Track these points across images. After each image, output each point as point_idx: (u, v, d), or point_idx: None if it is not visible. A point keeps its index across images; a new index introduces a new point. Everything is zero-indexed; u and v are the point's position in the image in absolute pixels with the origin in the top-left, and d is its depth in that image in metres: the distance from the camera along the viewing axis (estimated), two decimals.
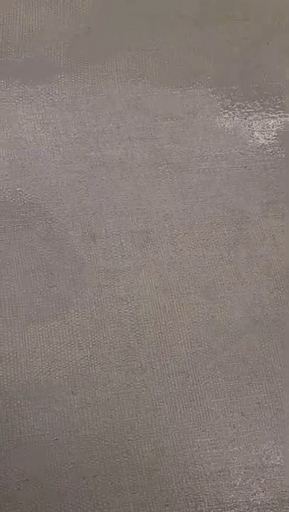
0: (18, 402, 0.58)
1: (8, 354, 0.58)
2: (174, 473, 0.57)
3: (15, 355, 0.59)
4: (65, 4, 0.69)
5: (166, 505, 0.56)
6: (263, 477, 0.57)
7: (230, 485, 0.57)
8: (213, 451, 0.57)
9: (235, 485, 0.57)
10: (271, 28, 0.70)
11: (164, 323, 0.60)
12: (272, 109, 0.67)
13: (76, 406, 0.58)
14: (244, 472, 0.57)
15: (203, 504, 0.56)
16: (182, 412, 0.58)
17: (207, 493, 0.56)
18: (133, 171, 0.64)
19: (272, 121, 0.66)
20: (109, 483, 0.57)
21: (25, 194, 0.63)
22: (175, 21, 0.69)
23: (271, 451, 0.58)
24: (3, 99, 0.66)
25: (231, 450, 0.57)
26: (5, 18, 0.68)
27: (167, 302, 0.61)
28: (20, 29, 0.67)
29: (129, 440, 0.57)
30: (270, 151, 0.66)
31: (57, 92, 0.66)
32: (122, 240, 0.63)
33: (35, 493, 0.56)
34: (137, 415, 0.58)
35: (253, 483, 0.57)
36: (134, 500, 0.56)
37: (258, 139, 0.66)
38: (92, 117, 0.66)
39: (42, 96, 0.66)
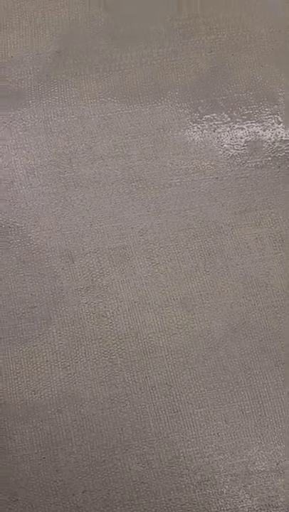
0: (6, 423, 0.56)
1: None
2: (161, 485, 0.55)
3: (0, 376, 0.57)
4: (33, 30, 0.67)
5: None
6: (250, 483, 0.55)
7: (218, 493, 0.55)
8: (199, 460, 0.56)
9: (222, 493, 0.55)
10: (235, 40, 0.68)
11: (144, 336, 0.59)
12: (239, 120, 0.65)
13: (62, 424, 0.56)
14: (230, 480, 0.55)
15: None
16: (166, 423, 0.57)
17: (195, 503, 0.55)
18: (107, 189, 0.63)
19: (240, 132, 0.65)
20: (99, 497, 0.55)
21: (3, 218, 0.61)
22: (141, 39, 0.67)
23: (256, 458, 0.56)
24: None
25: (216, 458, 0.56)
26: None
27: (147, 316, 0.60)
28: None
29: (116, 454, 0.56)
30: (240, 161, 0.64)
31: (29, 117, 0.64)
32: (100, 258, 0.61)
33: None
34: (122, 429, 0.56)
35: (239, 490, 0.55)
36: None
37: (227, 150, 0.64)
38: (65, 139, 0.64)
39: (14, 122, 0.64)
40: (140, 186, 0.63)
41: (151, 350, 0.58)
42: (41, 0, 0.69)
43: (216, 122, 0.65)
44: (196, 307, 0.60)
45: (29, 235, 0.61)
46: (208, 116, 0.65)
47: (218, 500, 0.55)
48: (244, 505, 0.55)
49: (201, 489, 0.55)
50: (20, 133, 0.64)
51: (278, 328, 0.59)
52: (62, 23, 0.68)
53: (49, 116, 0.65)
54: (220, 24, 0.68)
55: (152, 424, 0.56)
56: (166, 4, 0.69)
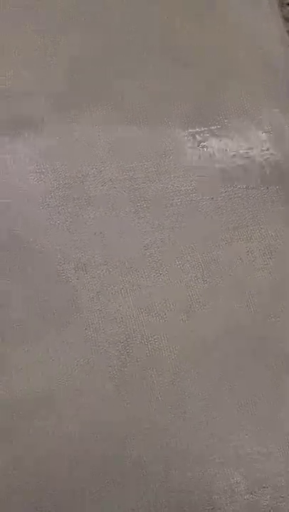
0: (21, 413, 0.63)
1: (11, 371, 0.63)
2: (158, 472, 0.62)
3: (16, 373, 0.64)
4: (41, 64, 0.73)
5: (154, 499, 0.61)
6: (242, 466, 0.62)
7: (212, 475, 0.62)
8: (195, 445, 0.62)
9: (217, 475, 0.62)
10: (225, 71, 0.75)
11: (150, 339, 0.66)
12: (233, 146, 0.72)
13: (69, 418, 0.63)
14: (224, 462, 0.62)
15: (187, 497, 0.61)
16: (167, 415, 0.63)
17: (191, 482, 0.61)
18: (115, 208, 0.70)
19: (233, 157, 0.72)
20: (106, 480, 0.62)
21: (22, 235, 0.68)
22: (137, 69, 0.74)
23: (245, 442, 0.63)
24: None
25: (209, 443, 0.62)
26: None
27: (152, 320, 0.66)
28: (4, 90, 0.72)
29: (118, 444, 0.62)
30: (234, 182, 0.71)
31: (45, 145, 0.71)
32: (110, 269, 0.68)
33: None
34: (128, 424, 0.63)
35: (234, 472, 0.62)
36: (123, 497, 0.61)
37: (222, 173, 0.72)
38: (77, 164, 0.71)
39: (33, 149, 0.71)
40: (145, 206, 0.70)
41: (156, 351, 0.65)
42: (43, 36, 0.75)
43: (211, 147, 0.72)
44: (196, 313, 0.66)
45: (45, 249, 0.68)
46: (205, 143, 0.72)
47: (213, 481, 0.61)
48: (238, 486, 0.61)
49: (197, 471, 0.62)
50: (38, 159, 0.71)
51: (267, 332, 0.66)
52: (64, 56, 0.74)
53: (62, 143, 0.71)
54: (210, 56, 0.75)
55: (153, 417, 0.63)
56: (157, 35, 0.76)
